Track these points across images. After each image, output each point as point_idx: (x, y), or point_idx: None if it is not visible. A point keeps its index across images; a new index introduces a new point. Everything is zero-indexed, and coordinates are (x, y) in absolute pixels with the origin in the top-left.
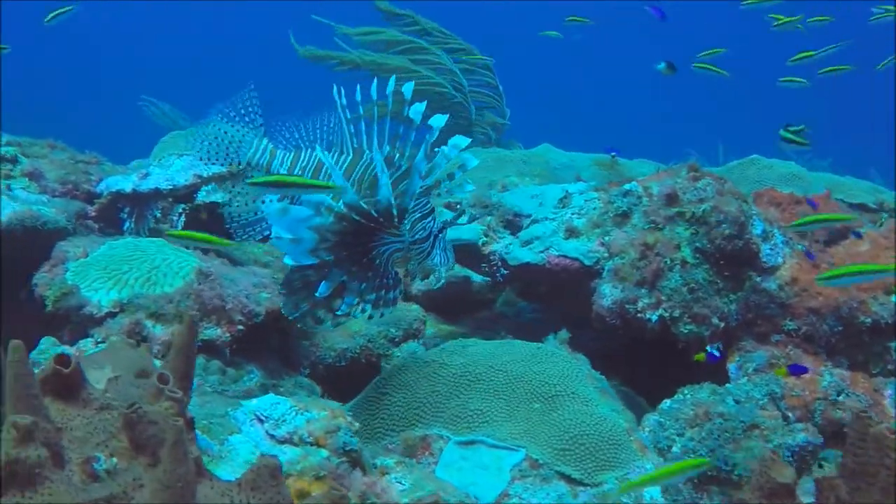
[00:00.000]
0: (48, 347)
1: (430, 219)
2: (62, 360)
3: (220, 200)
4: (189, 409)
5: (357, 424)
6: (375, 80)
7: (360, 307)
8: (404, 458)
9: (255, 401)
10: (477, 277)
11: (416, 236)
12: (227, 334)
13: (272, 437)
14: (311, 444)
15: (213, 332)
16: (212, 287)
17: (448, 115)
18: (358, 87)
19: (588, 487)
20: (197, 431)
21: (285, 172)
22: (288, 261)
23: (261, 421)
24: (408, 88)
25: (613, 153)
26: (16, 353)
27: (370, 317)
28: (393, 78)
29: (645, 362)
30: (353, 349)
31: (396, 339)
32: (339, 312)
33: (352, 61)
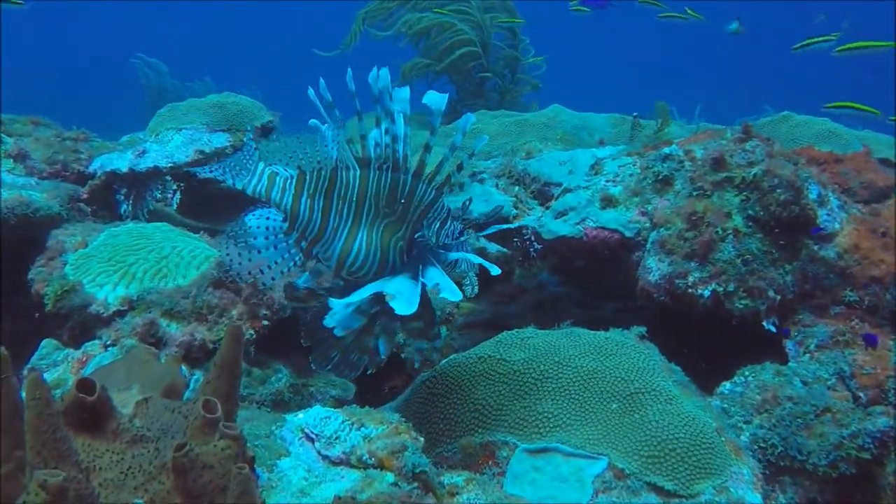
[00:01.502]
0: (50, 352)
1: (449, 224)
2: (85, 385)
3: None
4: None
5: (422, 439)
6: (349, 72)
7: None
8: (475, 475)
9: (301, 415)
10: (492, 248)
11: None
12: (252, 331)
13: (326, 458)
14: (374, 467)
15: None
16: (232, 278)
17: (447, 94)
18: (349, 71)
19: (683, 499)
20: None
21: (290, 202)
22: (339, 333)
23: (311, 440)
24: (383, 74)
25: (635, 114)
26: (36, 387)
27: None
28: (385, 70)
29: (684, 337)
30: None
31: None
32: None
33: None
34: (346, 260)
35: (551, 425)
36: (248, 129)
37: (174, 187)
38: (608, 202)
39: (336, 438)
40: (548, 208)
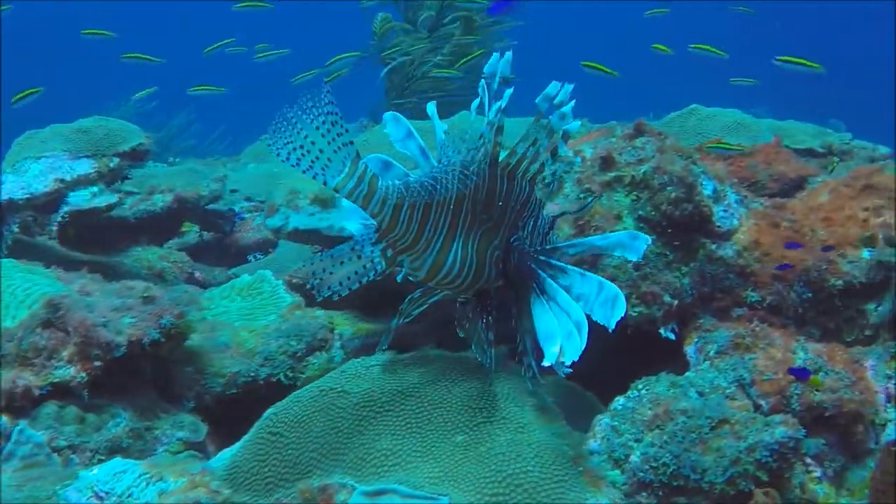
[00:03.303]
0: None
1: (540, 219)
2: None
3: (102, 205)
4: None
5: (226, 492)
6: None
7: None
8: None
9: (95, 470)
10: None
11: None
12: (83, 373)
13: None
14: None
15: (65, 371)
16: (62, 318)
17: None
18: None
19: None
20: None
21: (389, 215)
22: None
23: (101, 498)
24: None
25: (539, 114)
26: None
27: None
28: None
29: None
30: (246, 372)
31: (299, 354)
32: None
33: None
34: (437, 273)
35: (390, 463)
36: (116, 153)
37: (59, 218)
38: None
39: (129, 496)
40: None
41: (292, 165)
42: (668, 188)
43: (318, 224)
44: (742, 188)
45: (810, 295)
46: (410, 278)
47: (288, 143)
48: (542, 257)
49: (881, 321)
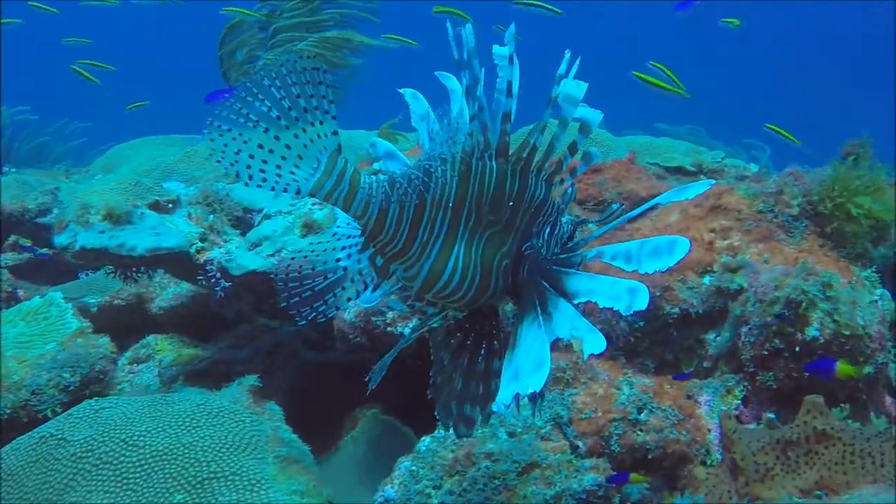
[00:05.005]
0: None
1: (558, 227)
2: None
3: None
4: None
5: None
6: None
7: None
8: None
9: None
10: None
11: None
12: None
13: None
14: None
15: None
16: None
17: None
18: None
19: None
20: None
21: (374, 216)
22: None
23: None
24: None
25: (385, 125)
26: None
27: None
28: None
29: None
30: (2, 408)
31: (71, 388)
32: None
33: None
34: (435, 283)
35: None
36: None
37: None
38: (310, 229)
39: None
40: (246, 238)
41: (258, 185)
42: None
43: (107, 242)
44: (580, 208)
45: (642, 324)
46: (409, 294)
47: (237, 150)
48: (563, 255)
49: (720, 352)
